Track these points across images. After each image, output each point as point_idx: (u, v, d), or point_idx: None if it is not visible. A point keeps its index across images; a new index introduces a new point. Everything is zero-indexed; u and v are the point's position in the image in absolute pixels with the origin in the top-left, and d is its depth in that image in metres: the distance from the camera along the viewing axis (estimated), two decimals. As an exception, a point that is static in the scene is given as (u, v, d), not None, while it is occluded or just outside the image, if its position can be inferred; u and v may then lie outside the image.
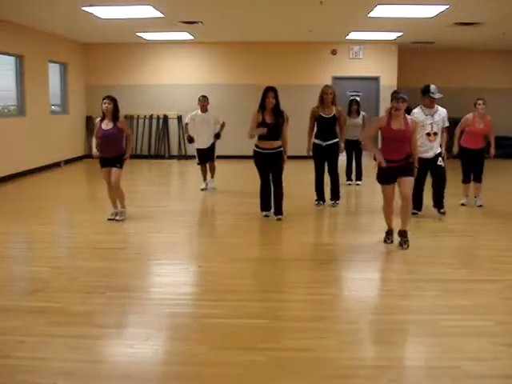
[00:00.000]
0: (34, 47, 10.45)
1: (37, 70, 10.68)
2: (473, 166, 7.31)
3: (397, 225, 5.47)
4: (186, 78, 13.05)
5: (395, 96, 5.24)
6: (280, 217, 6.56)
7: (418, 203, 6.55)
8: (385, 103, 12.86)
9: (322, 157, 7.26)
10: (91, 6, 7.99)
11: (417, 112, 6.38)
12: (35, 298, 4.08)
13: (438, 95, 6.23)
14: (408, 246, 5.32)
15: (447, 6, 7.96)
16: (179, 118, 13.08)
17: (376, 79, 12.99)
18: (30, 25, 10.00)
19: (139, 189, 9.65)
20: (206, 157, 8.63)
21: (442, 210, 6.67)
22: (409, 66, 13.04)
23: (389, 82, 12.90)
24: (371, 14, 8.79)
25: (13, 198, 8.32)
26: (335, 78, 13.02)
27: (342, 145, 7.45)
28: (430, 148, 6.36)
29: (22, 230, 6.32)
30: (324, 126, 7.11)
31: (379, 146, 5.72)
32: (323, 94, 7.03)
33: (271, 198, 6.64)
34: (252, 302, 4.06)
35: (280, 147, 6.43)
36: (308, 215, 7.17)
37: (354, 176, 9.31)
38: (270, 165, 6.46)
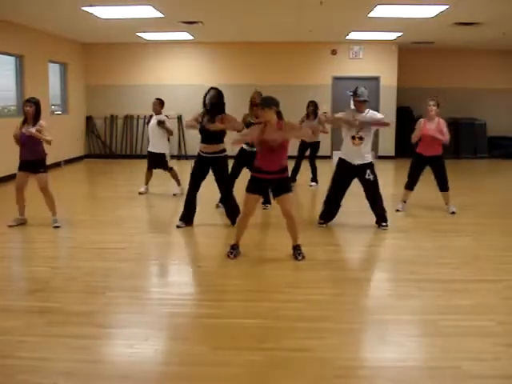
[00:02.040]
0: (33, 47, 10.45)
1: (37, 70, 10.67)
2: (434, 175, 6.92)
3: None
4: (186, 78, 13.05)
5: (260, 102, 4.81)
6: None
7: (329, 214, 6.25)
8: (385, 103, 12.90)
9: (244, 163, 6.93)
10: (91, 6, 7.99)
11: (346, 112, 6.11)
12: (35, 298, 4.08)
13: (362, 98, 5.82)
14: (303, 258, 5.02)
15: (447, 6, 7.96)
16: (179, 118, 13.08)
17: (376, 79, 12.99)
18: (30, 25, 10.00)
19: (139, 189, 9.64)
20: (155, 163, 8.31)
21: (383, 224, 6.11)
22: (409, 65, 13.05)
23: (389, 81, 12.91)
24: (371, 14, 8.79)
25: (13, 198, 8.31)
26: (335, 78, 13.03)
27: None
28: (354, 154, 5.93)
29: (22, 230, 6.31)
30: None
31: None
32: (251, 100, 6.95)
33: (195, 210, 6.33)
34: (252, 301, 4.06)
35: (222, 151, 6.07)
36: (306, 215, 7.17)
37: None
38: (207, 171, 6.14)
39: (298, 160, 9.11)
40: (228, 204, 6.31)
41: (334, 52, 12.97)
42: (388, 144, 13.20)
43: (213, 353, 3.23)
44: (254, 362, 3.10)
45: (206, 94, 6.04)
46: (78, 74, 12.81)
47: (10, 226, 6.21)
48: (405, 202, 7.11)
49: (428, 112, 6.68)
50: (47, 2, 8.02)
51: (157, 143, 8.25)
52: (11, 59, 10.05)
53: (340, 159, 6.11)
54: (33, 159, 6.16)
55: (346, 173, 6.05)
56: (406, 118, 13.03)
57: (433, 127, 6.66)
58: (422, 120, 6.82)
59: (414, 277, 4.58)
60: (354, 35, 11.48)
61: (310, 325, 3.61)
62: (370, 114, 5.99)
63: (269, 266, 4.96)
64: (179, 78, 13.09)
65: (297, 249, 5.09)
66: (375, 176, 6.00)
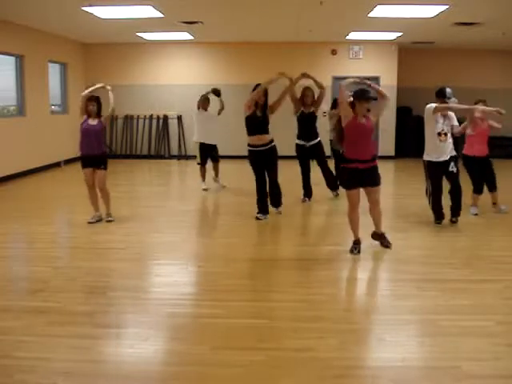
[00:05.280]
0: (33, 47, 10.45)
1: (37, 70, 10.67)
2: (485, 176, 6.87)
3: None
4: (186, 78, 13.05)
5: (365, 96, 4.91)
6: (280, 209, 6.75)
7: (440, 213, 6.24)
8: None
9: (307, 157, 7.53)
10: (90, 5, 7.98)
11: (429, 106, 6.05)
12: (35, 298, 4.08)
13: (453, 99, 5.99)
14: (391, 245, 5.30)
15: (447, 6, 7.96)
16: (179, 118, 13.08)
17: (376, 79, 12.96)
18: (30, 25, 9.99)
19: (139, 189, 9.66)
20: (212, 155, 8.69)
21: (453, 219, 6.33)
22: (409, 65, 13.04)
23: (389, 81, 12.90)
24: (371, 14, 8.78)
25: (13, 198, 8.32)
26: (335, 78, 13.01)
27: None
28: (442, 151, 6.02)
29: (22, 230, 6.32)
30: (305, 124, 7.37)
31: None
32: (303, 96, 7.43)
33: (268, 199, 6.70)
34: (252, 302, 4.06)
35: (272, 142, 6.50)
36: (306, 216, 7.18)
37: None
38: (264, 163, 6.50)
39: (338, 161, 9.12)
40: (273, 191, 6.66)
41: (334, 52, 12.96)
42: (388, 144, 13.21)
43: (213, 353, 3.23)
44: (254, 362, 3.10)
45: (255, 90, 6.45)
46: (78, 74, 12.80)
47: (89, 223, 6.32)
48: (495, 203, 6.95)
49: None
50: (47, 2, 8.02)
51: (211, 135, 8.60)
52: (11, 59, 10.05)
53: (428, 162, 6.13)
54: (96, 154, 6.32)
55: (438, 171, 6.14)
56: (405, 118, 13.04)
57: (484, 125, 6.79)
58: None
59: (413, 277, 4.58)
60: (353, 35, 11.47)
61: (310, 325, 3.61)
62: (449, 113, 6.12)
63: (269, 266, 4.96)
64: (179, 78, 13.08)
65: (383, 237, 5.34)
66: (458, 168, 6.16)
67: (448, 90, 6.02)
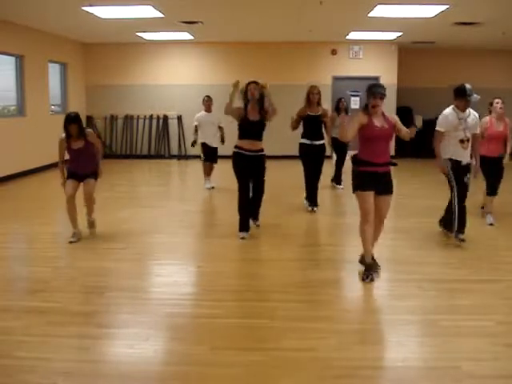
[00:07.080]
0: (33, 47, 10.45)
1: (37, 70, 10.68)
2: (491, 177, 6.45)
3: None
4: (186, 78, 13.05)
5: (372, 91, 4.40)
6: (258, 223, 6.21)
7: (465, 222, 5.58)
8: (385, 103, 12.87)
9: (312, 157, 7.06)
10: (91, 5, 7.99)
11: (449, 113, 5.44)
12: (35, 298, 4.08)
13: (474, 97, 5.28)
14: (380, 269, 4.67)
15: (447, 6, 7.96)
16: (179, 118, 13.08)
17: (376, 79, 12.96)
18: (30, 25, 10.00)
19: (139, 189, 9.66)
20: (212, 156, 8.81)
21: (460, 237, 5.55)
22: (409, 65, 13.05)
23: (389, 81, 12.87)
24: (371, 14, 8.78)
25: (13, 198, 8.32)
26: (335, 78, 13.03)
27: (329, 147, 7.51)
28: (463, 154, 5.47)
29: (22, 230, 6.31)
30: (311, 125, 6.99)
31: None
32: (309, 94, 6.93)
33: (250, 215, 6.02)
34: (252, 301, 4.06)
35: (262, 150, 5.86)
36: (307, 216, 7.17)
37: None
38: (250, 170, 5.81)
39: (339, 163, 8.98)
40: (259, 202, 6.09)
41: (334, 52, 12.96)
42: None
43: (212, 353, 3.23)
44: (253, 362, 3.10)
45: (247, 89, 5.92)
46: (78, 74, 12.81)
47: (71, 243, 5.58)
48: (483, 208, 6.70)
49: (496, 111, 6.30)
50: (47, 2, 8.02)
51: (213, 138, 8.80)
52: (11, 59, 10.05)
53: (451, 160, 5.50)
54: (88, 172, 5.73)
55: (461, 174, 5.57)
56: (406, 118, 13.03)
57: (501, 128, 6.33)
58: (487, 118, 6.35)
59: (414, 277, 4.58)
60: (353, 35, 11.48)
61: (310, 325, 3.61)
62: (472, 114, 5.47)
63: (269, 266, 4.96)
64: (179, 77, 13.08)
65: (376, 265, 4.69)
66: (469, 180, 5.57)
67: (468, 86, 5.30)
